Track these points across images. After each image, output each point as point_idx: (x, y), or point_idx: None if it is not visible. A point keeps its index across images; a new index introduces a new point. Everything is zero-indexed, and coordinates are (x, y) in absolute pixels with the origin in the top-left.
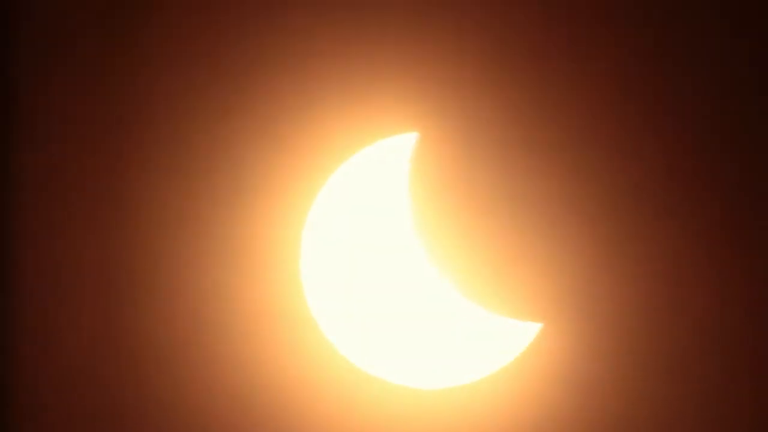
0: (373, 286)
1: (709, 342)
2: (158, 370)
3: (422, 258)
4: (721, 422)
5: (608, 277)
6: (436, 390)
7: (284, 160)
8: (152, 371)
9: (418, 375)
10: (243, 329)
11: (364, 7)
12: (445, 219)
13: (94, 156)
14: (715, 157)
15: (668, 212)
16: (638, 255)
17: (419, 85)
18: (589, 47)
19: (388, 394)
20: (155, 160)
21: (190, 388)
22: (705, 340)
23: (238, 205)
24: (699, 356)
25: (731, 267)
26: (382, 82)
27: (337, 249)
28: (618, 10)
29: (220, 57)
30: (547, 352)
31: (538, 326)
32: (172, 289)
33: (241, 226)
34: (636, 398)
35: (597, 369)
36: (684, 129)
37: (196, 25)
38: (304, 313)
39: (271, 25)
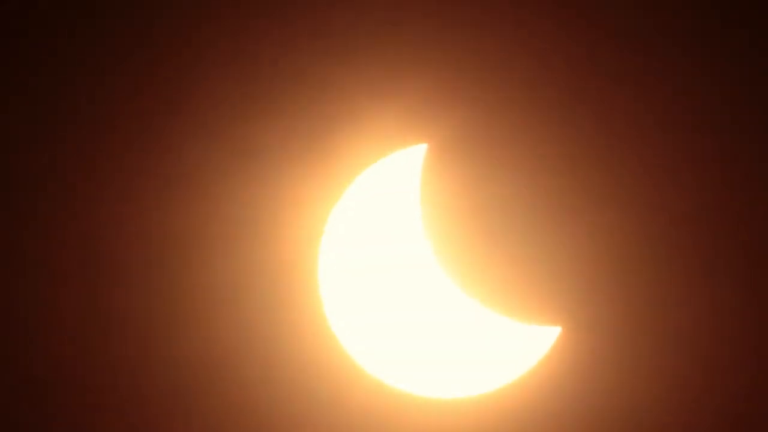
0: (391, 298)
1: (733, 342)
2: (177, 386)
3: (438, 268)
4: (747, 420)
5: (624, 278)
6: (458, 399)
7: (298, 175)
8: (170, 387)
9: (439, 385)
10: (261, 342)
11: (370, 20)
12: (458, 228)
13: (110, 161)
14: (739, 158)
15: (690, 214)
16: (650, 254)
17: (427, 97)
18: (598, 55)
19: (409, 404)
20: (171, 172)
21: (207, 400)
22: (728, 340)
23: (255, 220)
24: (721, 356)
25: (759, 267)
26: (389, 96)
27: (353, 262)
28: (628, 19)
29: (234, 66)
30: (568, 356)
31: (557, 330)
32: (190, 301)
33: (258, 243)
34: (659, 396)
35: (618, 371)
36: (705, 131)
37: (211, 35)
38: (323, 325)
39: (278, 39)
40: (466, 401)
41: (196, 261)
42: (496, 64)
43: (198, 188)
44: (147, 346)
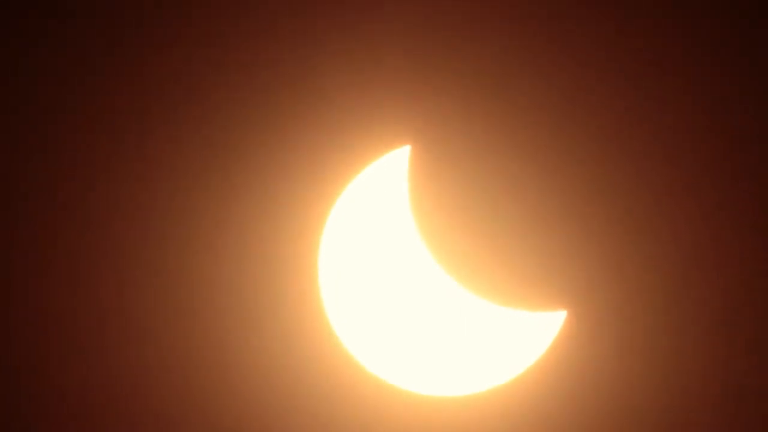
0: (392, 297)
1: (739, 326)
2: (177, 384)
3: (437, 265)
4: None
5: (626, 258)
6: (470, 395)
7: (295, 180)
8: (168, 380)
9: (449, 382)
10: (261, 341)
11: (351, 20)
12: (453, 224)
13: (108, 160)
14: (746, 139)
15: (691, 194)
16: (650, 236)
17: (408, 99)
18: (580, 52)
19: (417, 403)
20: (172, 169)
21: (204, 398)
22: (734, 323)
23: (255, 222)
24: (726, 339)
25: (764, 251)
26: (370, 99)
27: (352, 263)
28: (618, 13)
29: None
30: (577, 339)
31: (562, 314)
32: (190, 300)
33: (258, 245)
34: (668, 378)
35: (627, 353)
36: (703, 110)
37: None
38: (324, 325)
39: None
40: (478, 396)
41: (196, 261)
42: (475, 60)
43: (197, 190)
44: (146, 345)
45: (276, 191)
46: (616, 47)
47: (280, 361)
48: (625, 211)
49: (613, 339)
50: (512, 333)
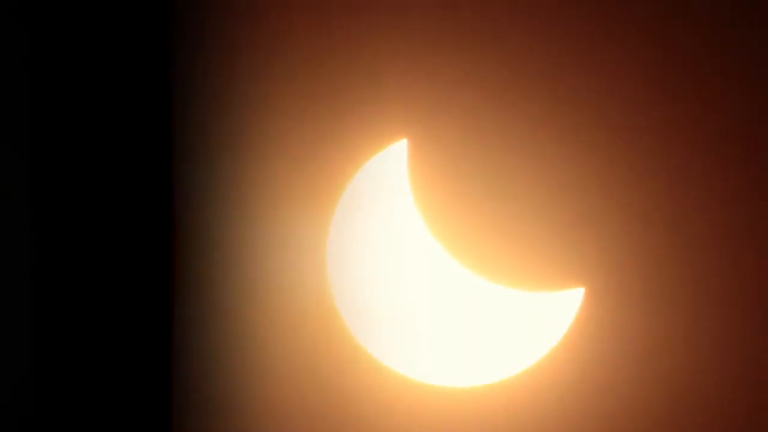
0: (402, 290)
1: (755, 296)
2: (176, 379)
3: (445, 254)
4: None
5: (641, 228)
6: (493, 383)
7: (299, 177)
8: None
9: (469, 372)
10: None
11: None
12: (456, 211)
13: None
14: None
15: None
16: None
17: (400, 94)
18: (573, 39)
19: (434, 395)
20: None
21: (211, 390)
22: (754, 293)
23: (260, 221)
24: (746, 311)
25: None
26: (366, 95)
27: (359, 260)
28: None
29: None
30: (597, 314)
31: (580, 291)
32: (197, 296)
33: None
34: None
35: (653, 325)
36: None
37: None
38: (334, 317)
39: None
40: (502, 384)
41: (204, 255)
42: (468, 52)
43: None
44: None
45: (275, 193)
46: (614, 34)
47: (288, 351)
48: (634, 181)
49: (635, 314)
50: (531, 316)
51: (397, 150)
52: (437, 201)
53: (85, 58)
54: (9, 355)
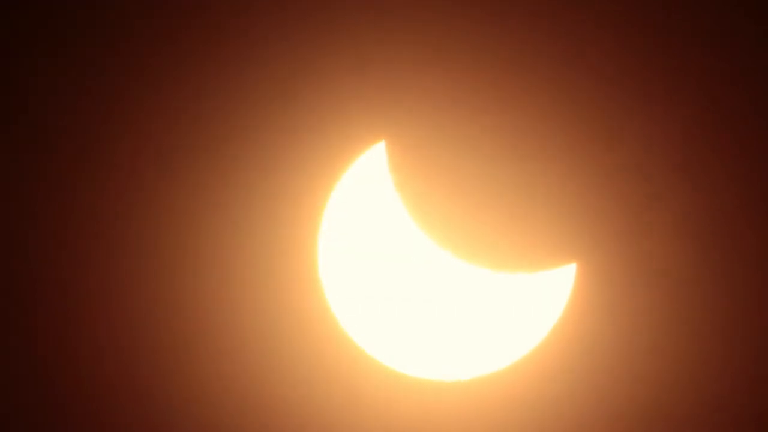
0: (393, 284)
1: (753, 271)
2: (176, 373)
3: (434, 247)
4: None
5: (630, 197)
6: (494, 373)
7: (287, 179)
8: (169, 372)
9: (469, 363)
10: (262, 332)
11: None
12: (441, 204)
13: (104, 158)
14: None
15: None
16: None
17: (375, 96)
18: (552, 38)
19: (433, 389)
20: (168, 166)
21: (210, 392)
22: (742, 270)
23: (253, 219)
24: (737, 287)
25: None
26: (344, 97)
27: (351, 253)
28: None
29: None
30: (592, 288)
31: (572, 267)
32: (190, 293)
33: (259, 240)
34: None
35: (648, 299)
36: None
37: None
38: (325, 312)
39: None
40: (504, 372)
41: (197, 258)
42: (441, 55)
43: (196, 190)
44: (145, 340)
45: (263, 198)
46: (591, 33)
47: (280, 347)
48: (619, 151)
49: (628, 287)
50: (526, 296)
51: (377, 151)
52: (423, 196)
53: None
54: None
